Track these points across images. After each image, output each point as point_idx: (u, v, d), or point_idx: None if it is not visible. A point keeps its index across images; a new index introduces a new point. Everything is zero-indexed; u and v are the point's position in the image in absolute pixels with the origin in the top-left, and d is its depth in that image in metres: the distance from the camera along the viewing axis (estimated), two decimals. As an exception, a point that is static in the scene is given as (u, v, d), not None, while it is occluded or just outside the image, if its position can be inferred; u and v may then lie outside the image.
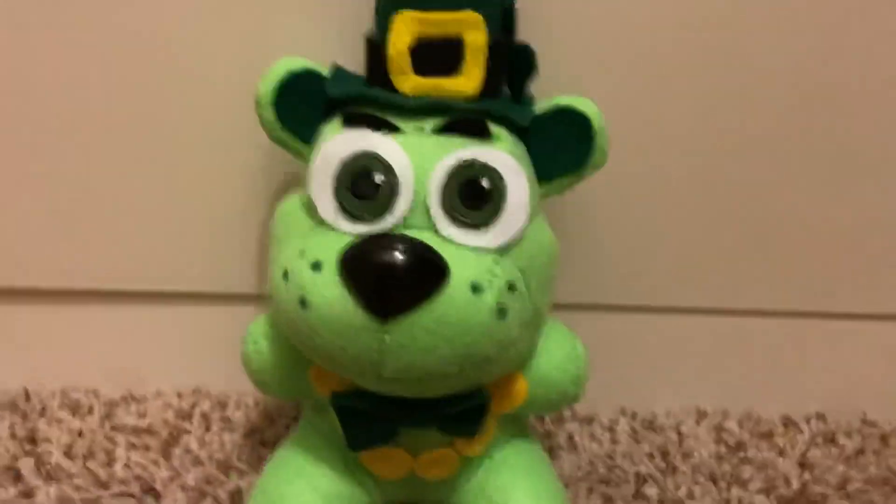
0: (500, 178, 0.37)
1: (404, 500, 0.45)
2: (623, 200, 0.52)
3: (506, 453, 0.43)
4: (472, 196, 0.36)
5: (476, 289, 0.34)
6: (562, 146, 0.40)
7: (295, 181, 0.50)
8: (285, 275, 0.36)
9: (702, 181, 0.52)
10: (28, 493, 0.46)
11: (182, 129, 0.50)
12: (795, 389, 0.57)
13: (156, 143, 0.50)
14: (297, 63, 0.40)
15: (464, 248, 0.36)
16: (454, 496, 0.44)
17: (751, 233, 0.53)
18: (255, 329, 0.43)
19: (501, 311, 0.35)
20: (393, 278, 0.33)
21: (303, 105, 0.40)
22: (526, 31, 0.42)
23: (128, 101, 0.49)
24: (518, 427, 0.45)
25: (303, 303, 0.35)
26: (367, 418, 0.39)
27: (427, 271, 0.34)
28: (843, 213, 0.53)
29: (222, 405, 0.55)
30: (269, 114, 0.40)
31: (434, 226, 0.36)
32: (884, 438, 0.55)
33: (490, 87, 0.39)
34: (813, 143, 0.51)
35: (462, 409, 0.39)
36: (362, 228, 0.36)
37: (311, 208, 0.38)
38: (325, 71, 0.41)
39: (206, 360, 0.56)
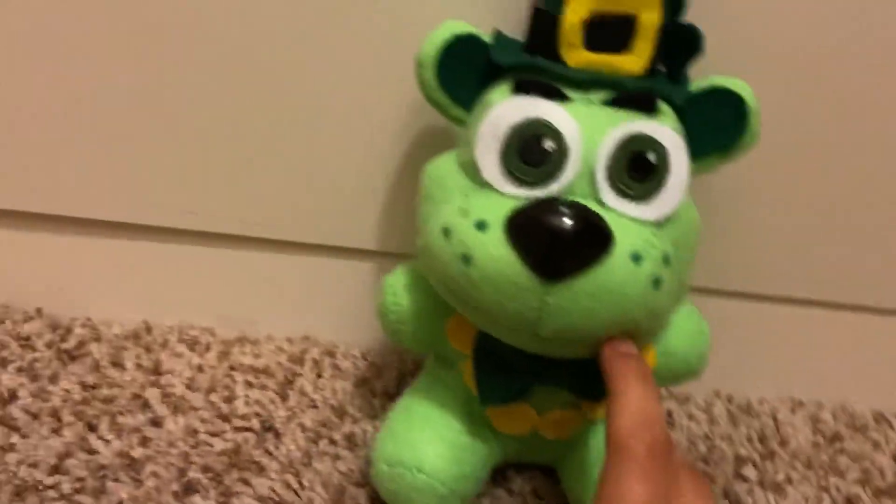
0: (666, 152, 0.37)
1: (520, 457, 0.46)
2: (751, 189, 0.52)
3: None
4: (639, 168, 0.37)
5: (636, 258, 0.35)
6: (714, 126, 0.40)
7: (428, 141, 0.51)
8: (446, 232, 0.38)
9: (830, 176, 0.52)
10: (157, 422, 0.49)
11: (325, 85, 0.50)
12: (886, 385, 0.58)
13: (299, 95, 0.50)
14: (461, 27, 0.40)
15: (625, 218, 0.37)
16: (566, 457, 0.45)
17: (863, 228, 0.54)
18: (393, 281, 0.45)
19: (657, 282, 0.36)
20: (561, 242, 0.34)
21: (463, 69, 0.41)
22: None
23: (278, 55, 0.49)
24: (636, 397, 0.46)
25: (466, 259, 0.36)
26: (504, 373, 0.41)
27: (594, 238, 0.35)
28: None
29: (331, 354, 0.56)
30: (431, 75, 0.41)
31: (597, 195, 0.37)
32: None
33: (653, 65, 0.40)
34: None
35: (595, 371, 0.40)
36: (527, 192, 0.37)
37: (471, 169, 0.39)
38: (486, 36, 0.42)
39: (315, 310, 0.58)
